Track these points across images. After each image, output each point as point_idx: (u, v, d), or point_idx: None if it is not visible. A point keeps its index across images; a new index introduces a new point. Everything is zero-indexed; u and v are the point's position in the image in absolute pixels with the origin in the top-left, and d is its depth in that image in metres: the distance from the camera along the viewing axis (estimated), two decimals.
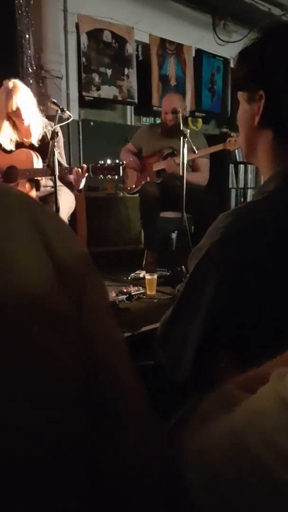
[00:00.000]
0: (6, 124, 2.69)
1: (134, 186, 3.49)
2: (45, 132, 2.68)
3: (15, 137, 2.76)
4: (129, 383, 0.47)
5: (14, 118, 2.67)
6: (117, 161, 2.65)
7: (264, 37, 0.88)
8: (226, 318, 0.79)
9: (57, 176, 2.38)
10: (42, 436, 0.37)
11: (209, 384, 0.85)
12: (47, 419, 0.37)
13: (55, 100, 2.59)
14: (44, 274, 0.40)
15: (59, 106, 2.51)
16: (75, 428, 0.40)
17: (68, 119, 2.57)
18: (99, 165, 2.63)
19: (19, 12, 3.78)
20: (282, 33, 0.88)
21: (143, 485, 0.45)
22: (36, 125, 2.70)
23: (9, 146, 2.75)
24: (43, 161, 2.74)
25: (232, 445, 0.43)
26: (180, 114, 3.00)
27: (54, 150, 2.48)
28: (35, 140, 2.73)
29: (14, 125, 2.73)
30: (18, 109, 2.60)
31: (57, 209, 2.37)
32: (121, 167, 2.63)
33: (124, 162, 2.73)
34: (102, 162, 2.63)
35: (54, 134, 2.39)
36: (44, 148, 2.68)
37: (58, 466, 0.38)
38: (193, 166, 3.46)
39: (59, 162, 2.72)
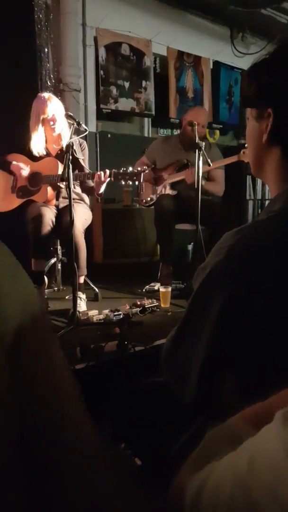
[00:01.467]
0: (41, 131, 2.89)
1: (149, 198, 3.48)
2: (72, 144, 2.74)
3: (44, 145, 2.94)
4: (78, 436, 0.45)
5: (46, 125, 2.86)
6: (139, 168, 2.71)
7: (273, 54, 0.87)
8: (230, 340, 0.78)
9: (71, 188, 2.39)
10: None
11: (214, 407, 0.83)
12: None
13: (71, 114, 2.61)
14: None
15: (75, 120, 2.53)
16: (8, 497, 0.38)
17: (84, 132, 2.59)
18: (121, 171, 2.68)
19: (39, 26, 3.85)
20: None
21: None
22: (66, 134, 2.85)
23: (39, 152, 2.93)
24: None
25: (235, 493, 0.41)
26: (196, 127, 2.99)
27: (78, 159, 2.69)
28: (63, 147, 2.85)
29: (45, 135, 2.93)
30: (53, 116, 2.83)
31: (72, 221, 2.38)
32: (142, 174, 2.65)
33: (146, 169, 2.76)
34: (124, 168, 2.70)
35: (69, 147, 2.41)
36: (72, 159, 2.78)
37: None
38: (208, 177, 3.44)
39: (82, 168, 2.92)
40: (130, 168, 2.71)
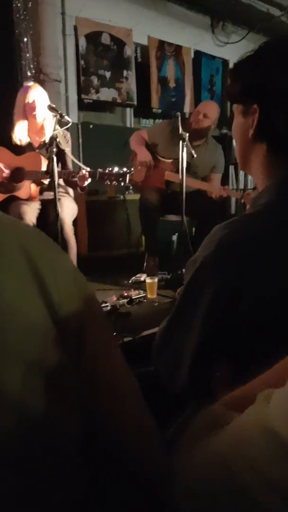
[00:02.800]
0: (24, 120, 2.85)
1: (140, 182, 3.40)
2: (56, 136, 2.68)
3: (26, 135, 2.90)
4: (138, 431, 0.45)
5: (28, 114, 2.82)
6: (125, 169, 2.68)
7: (258, 51, 0.89)
8: (221, 330, 0.80)
9: (56, 183, 2.37)
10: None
11: (205, 394, 0.85)
12: (40, 485, 0.35)
13: (53, 105, 2.57)
14: (37, 324, 0.38)
15: (57, 111, 2.50)
16: (75, 495, 0.38)
17: (67, 124, 2.56)
18: (107, 171, 2.66)
19: (17, 16, 3.77)
20: (276, 49, 0.89)
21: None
22: (48, 125, 2.81)
23: (21, 140, 2.88)
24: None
25: (218, 468, 0.44)
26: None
27: (63, 152, 2.66)
28: (46, 139, 2.84)
29: (27, 125, 2.89)
30: (33, 102, 2.77)
31: (57, 215, 2.36)
32: (127, 175, 2.63)
33: (132, 170, 2.73)
34: (110, 168, 2.67)
35: (53, 140, 2.38)
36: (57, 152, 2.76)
37: None
38: (206, 178, 3.44)
39: (67, 161, 2.88)
40: (116, 168, 2.67)
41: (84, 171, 2.66)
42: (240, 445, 0.43)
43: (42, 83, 3.89)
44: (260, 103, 0.86)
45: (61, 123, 2.57)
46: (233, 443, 0.44)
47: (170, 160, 3.37)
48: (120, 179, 2.65)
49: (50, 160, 2.37)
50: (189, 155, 2.89)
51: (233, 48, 5.43)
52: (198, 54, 5.33)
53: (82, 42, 4.27)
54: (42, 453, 0.36)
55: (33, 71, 3.91)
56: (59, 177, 2.77)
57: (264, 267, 0.77)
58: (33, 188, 2.84)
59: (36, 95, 2.80)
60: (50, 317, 0.38)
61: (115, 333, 2.00)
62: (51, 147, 2.40)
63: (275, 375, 0.58)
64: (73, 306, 0.41)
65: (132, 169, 2.82)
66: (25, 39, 3.86)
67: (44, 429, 0.36)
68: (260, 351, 0.75)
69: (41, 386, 0.36)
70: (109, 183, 2.71)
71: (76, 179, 2.73)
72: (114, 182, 2.69)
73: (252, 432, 0.43)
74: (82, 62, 4.29)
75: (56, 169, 2.38)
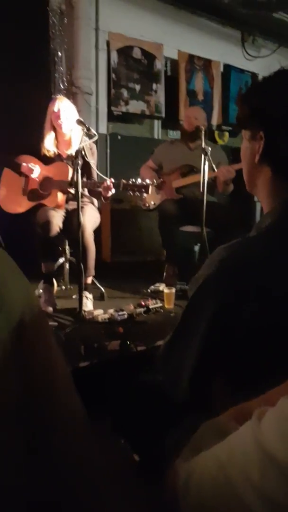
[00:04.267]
0: (51, 133, 2.99)
1: (153, 203, 3.52)
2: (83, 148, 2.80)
3: (54, 147, 3.03)
4: (66, 406, 0.54)
5: (55, 123, 2.95)
6: (148, 181, 2.78)
7: (266, 80, 0.94)
8: (221, 346, 0.85)
9: (80, 193, 2.48)
10: None
11: (204, 407, 0.92)
12: None
13: (81, 119, 2.69)
14: None
15: (85, 125, 2.61)
16: (14, 451, 0.48)
17: (93, 137, 2.66)
18: (130, 182, 2.76)
19: (53, 31, 3.94)
20: (284, 76, 0.93)
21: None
22: (76, 138, 2.94)
23: (49, 151, 3.01)
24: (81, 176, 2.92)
25: (217, 474, 0.50)
26: (203, 132, 3.05)
27: (89, 164, 2.83)
28: (73, 152, 2.88)
29: (56, 137, 3.02)
30: (58, 111, 2.90)
31: (79, 224, 2.47)
32: (150, 187, 2.73)
33: (155, 181, 2.83)
34: (134, 180, 2.78)
35: (79, 152, 2.49)
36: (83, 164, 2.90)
37: None
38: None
39: (92, 173, 3.00)
40: (139, 180, 2.78)
41: (108, 182, 2.77)
42: (237, 456, 0.48)
43: (74, 95, 4.06)
44: (266, 129, 0.91)
45: (88, 136, 2.68)
46: (231, 453, 0.49)
47: (174, 172, 3.53)
48: (143, 190, 2.75)
49: (75, 172, 2.47)
50: (210, 168, 2.94)
51: (262, 62, 5.47)
52: (228, 68, 5.39)
53: (114, 56, 4.41)
54: None
55: (66, 84, 4.07)
56: (84, 187, 2.90)
57: (264, 289, 0.80)
58: (60, 197, 2.96)
59: (62, 105, 2.93)
60: None
61: (128, 342, 2.09)
62: (76, 159, 2.50)
63: (276, 395, 0.61)
64: (15, 298, 0.51)
65: (155, 180, 2.92)
66: (60, 54, 4.02)
67: None
68: (257, 371, 0.80)
69: None
70: (131, 193, 2.81)
71: (100, 189, 2.84)
72: (137, 193, 2.79)
73: (246, 447, 0.48)
74: (113, 75, 4.43)
75: (80, 180, 2.49)
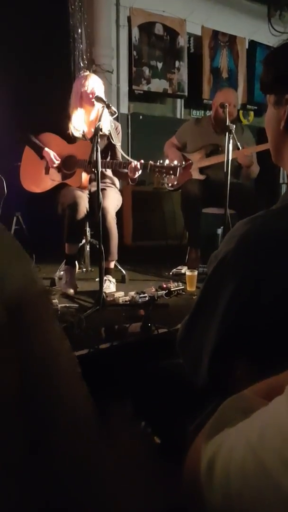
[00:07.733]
0: (80, 110, 2.87)
1: (176, 183, 3.44)
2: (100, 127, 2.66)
3: (84, 125, 2.91)
4: (71, 394, 0.50)
5: (85, 102, 2.83)
6: (176, 162, 2.67)
7: None
8: (241, 326, 0.80)
9: (99, 173, 2.40)
10: None
11: (225, 390, 0.86)
12: None
13: (100, 96, 2.60)
14: None
15: (104, 102, 2.53)
16: (13, 451, 0.42)
17: (114, 114, 2.58)
18: (158, 163, 2.66)
19: (72, 7, 3.85)
20: None
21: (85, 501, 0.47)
22: (105, 116, 2.76)
23: (78, 130, 2.89)
24: (105, 157, 2.86)
25: (247, 457, 0.44)
26: (227, 110, 2.94)
27: (115, 146, 2.74)
28: (105, 130, 2.81)
29: (84, 113, 2.90)
30: (93, 89, 2.78)
31: (99, 205, 2.39)
32: (178, 168, 2.64)
33: (184, 163, 2.72)
34: (161, 161, 2.67)
35: (98, 130, 2.41)
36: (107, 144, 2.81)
37: None
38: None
39: (116, 156, 2.91)
40: (167, 161, 2.67)
41: (136, 163, 2.68)
42: (270, 437, 0.43)
43: (94, 73, 3.97)
44: None
45: (110, 114, 2.60)
46: (262, 433, 0.44)
47: (199, 151, 3.40)
48: (171, 171, 2.65)
49: (95, 150, 2.39)
50: (234, 147, 2.84)
51: None
52: (253, 44, 5.22)
53: (135, 32, 4.30)
54: None
55: (86, 62, 3.98)
56: (109, 167, 2.82)
57: (285, 263, 0.76)
58: (84, 177, 2.88)
59: (94, 82, 2.82)
60: None
61: (149, 324, 2.04)
62: (96, 136, 2.41)
63: None
64: (15, 287, 0.47)
65: (184, 162, 2.82)
66: (79, 30, 3.94)
67: None
68: (280, 349, 0.75)
69: None
70: (159, 175, 2.72)
71: (126, 170, 2.76)
72: (164, 175, 2.70)
73: (281, 426, 0.42)
74: (134, 53, 4.32)
75: (100, 160, 2.40)
